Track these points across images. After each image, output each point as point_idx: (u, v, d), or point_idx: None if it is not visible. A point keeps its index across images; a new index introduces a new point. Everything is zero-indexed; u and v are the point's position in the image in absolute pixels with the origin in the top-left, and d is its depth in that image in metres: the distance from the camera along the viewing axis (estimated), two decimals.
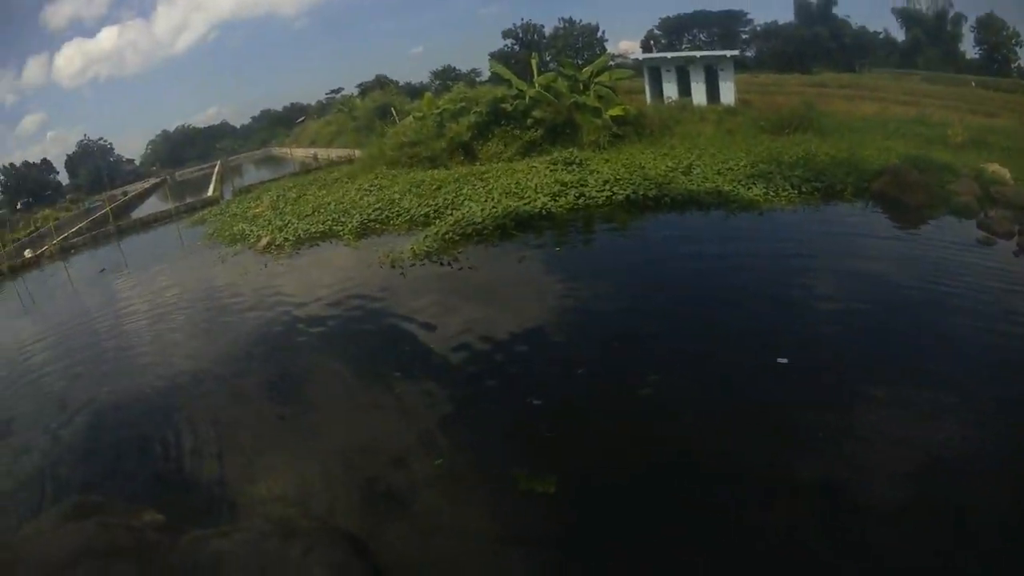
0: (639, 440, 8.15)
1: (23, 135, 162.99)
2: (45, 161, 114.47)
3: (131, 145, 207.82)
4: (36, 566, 6.79)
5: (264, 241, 22.89)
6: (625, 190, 17.39)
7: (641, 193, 17.13)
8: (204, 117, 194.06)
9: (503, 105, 29.20)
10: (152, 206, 57.76)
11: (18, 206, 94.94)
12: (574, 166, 20.80)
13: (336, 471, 8.87)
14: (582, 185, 18.31)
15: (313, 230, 22.46)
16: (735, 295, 11.82)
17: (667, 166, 19.74)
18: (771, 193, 16.72)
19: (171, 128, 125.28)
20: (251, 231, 25.87)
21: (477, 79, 65.74)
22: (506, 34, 71.58)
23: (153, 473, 10.59)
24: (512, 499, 7.37)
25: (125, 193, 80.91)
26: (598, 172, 19.47)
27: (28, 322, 26.68)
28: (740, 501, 7.10)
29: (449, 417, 9.41)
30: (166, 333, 17.49)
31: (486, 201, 18.36)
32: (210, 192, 46.59)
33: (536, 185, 18.80)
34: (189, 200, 47.30)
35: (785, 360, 9.26)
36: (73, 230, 49.95)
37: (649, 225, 16.16)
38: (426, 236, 17.17)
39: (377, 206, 22.20)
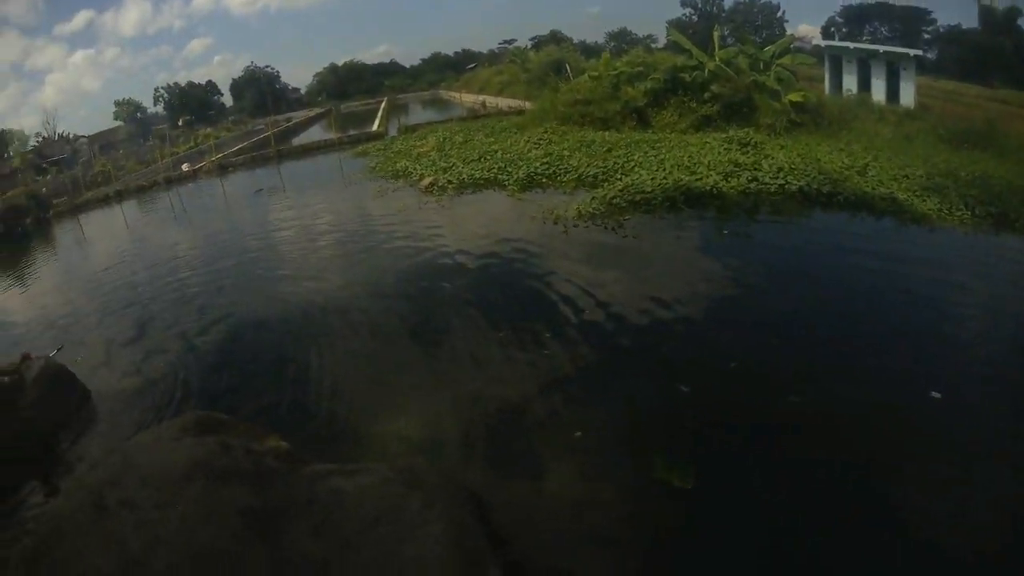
0: (788, 451, 7.41)
1: (190, 57, 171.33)
2: (210, 83, 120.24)
3: (298, 75, 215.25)
4: (145, 476, 6.69)
5: (427, 181, 23.21)
6: (799, 181, 16.45)
7: (815, 187, 16.19)
8: (373, 54, 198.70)
9: (681, 75, 28.35)
10: (315, 134, 59.61)
11: (180, 123, 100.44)
12: (749, 148, 19.88)
13: (468, 424, 8.64)
14: (755, 169, 17.48)
15: (477, 176, 22.51)
16: (901, 315, 10.82)
17: (843, 163, 18.63)
18: (944, 210, 15.36)
19: (339, 62, 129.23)
20: (414, 169, 26.27)
21: (652, 46, 64.84)
22: (685, 2, 70.36)
23: (281, 396, 10.65)
24: (645, 487, 6.95)
25: (289, 120, 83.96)
26: (772, 158, 18.60)
27: (178, 231, 28.07)
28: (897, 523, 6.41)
29: (595, 388, 9.03)
30: (314, 258, 17.85)
31: (657, 171, 17.89)
32: (375, 127, 47.51)
33: (709, 162, 18.14)
34: (353, 132, 48.50)
35: (938, 395, 8.45)
36: (233, 150, 52.27)
37: (819, 222, 15.20)
38: (593, 198, 16.81)
39: (545, 160, 22.00)
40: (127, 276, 21.52)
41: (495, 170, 22.63)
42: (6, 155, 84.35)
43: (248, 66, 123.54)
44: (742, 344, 9.73)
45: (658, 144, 21.61)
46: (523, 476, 7.34)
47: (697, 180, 16.71)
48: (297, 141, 56.54)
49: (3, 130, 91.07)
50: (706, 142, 20.89)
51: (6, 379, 11.05)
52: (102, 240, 33.20)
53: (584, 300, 11.63)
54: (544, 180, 20.21)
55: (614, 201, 16.24)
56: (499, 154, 25.14)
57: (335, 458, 7.42)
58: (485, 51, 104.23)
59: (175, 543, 5.75)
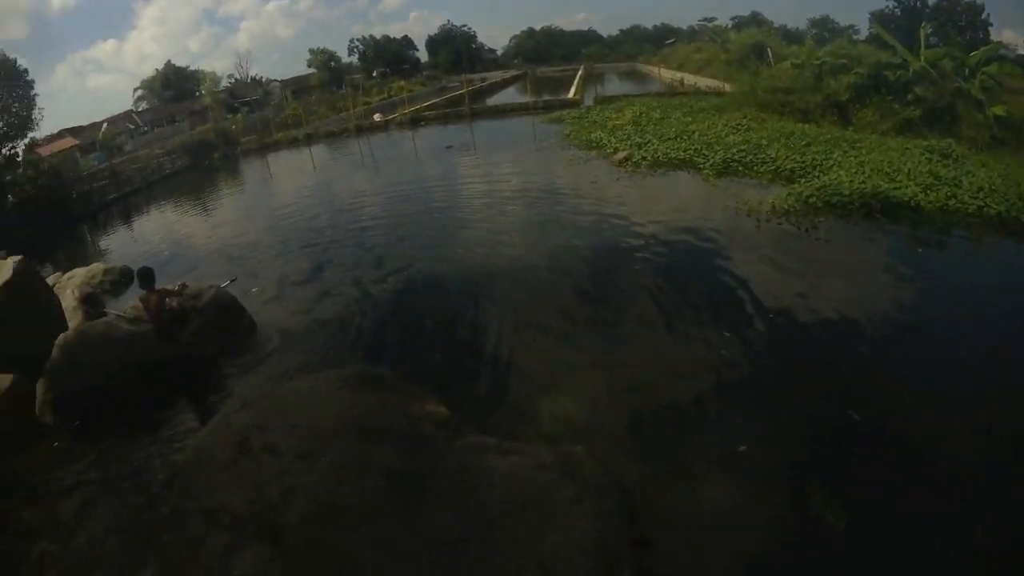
0: (964, 509, 6.47)
1: (385, 11, 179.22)
2: (406, 38, 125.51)
3: (494, 37, 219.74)
4: (295, 425, 6.84)
5: (621, 155, 23.69)
6: (998, 205, 15.09)
7: (1014, 214, 14.74)
8: (572, 21, 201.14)
9: (885, 72, 27.21)
10: (508, 96, 61.02)
11: (373, 74, 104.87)
12: (949, 161, 18.71)
13: (632, 413, 8.40)
14: (955, 185, 16.29)
15: (673, 155, 22.63)
16: None
17: None
18: None
19: (537, 27, 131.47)
20: (608, 141, 26.73)
21: (854, 37, 62.46)
22: None
23: (448, 356, 10.74)
24: (797, 517, 6.49)
25: (483, 79, 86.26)
26: (973, 175, 17.20)
27: (364, 179, 29.64)
28: None
29: (766, 398, 8.57)
30: (498, 219, 18.24)
31: (856, 173, 17.33)
32: (570, 94, 48.06)
33: (908, 170, 17.26)
34: (547, 97, 49.38)
35: None
36: (426, 104, 54.42)
37: (1018, 255, 13.64)
38: (789, 194, 16.42)
39: (742, 147, 21.74)
40: (309, 217, 22.71)
41: (691, 151, 22.62)
42: (198, 93, 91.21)
43: (444, 24, 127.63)
44: (925, 376, 8.86)
45: (858, 144, 20.96)
46: (678, 480, 7.12)
47: (895, 188, 16.02)
48: (491, 101, 58.05)
49: (195, 70, 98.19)
50: (906, 148, 20.06)
51: (175, 303, 11.41)
52: (287, 180, 35.19)
53: (768, 302, 11.17)
54: (740, 168, 20.08)
55: (810, 200, 15.85)
56: (696, 135, 25.06)
57: (493, 430, 7.55)
58: (684, 27, 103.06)
59: (312, 495, 5.96)
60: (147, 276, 11.35)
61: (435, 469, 6.31)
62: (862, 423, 7.82)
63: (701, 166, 20.90)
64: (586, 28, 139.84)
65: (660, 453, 7.57)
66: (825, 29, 74.43)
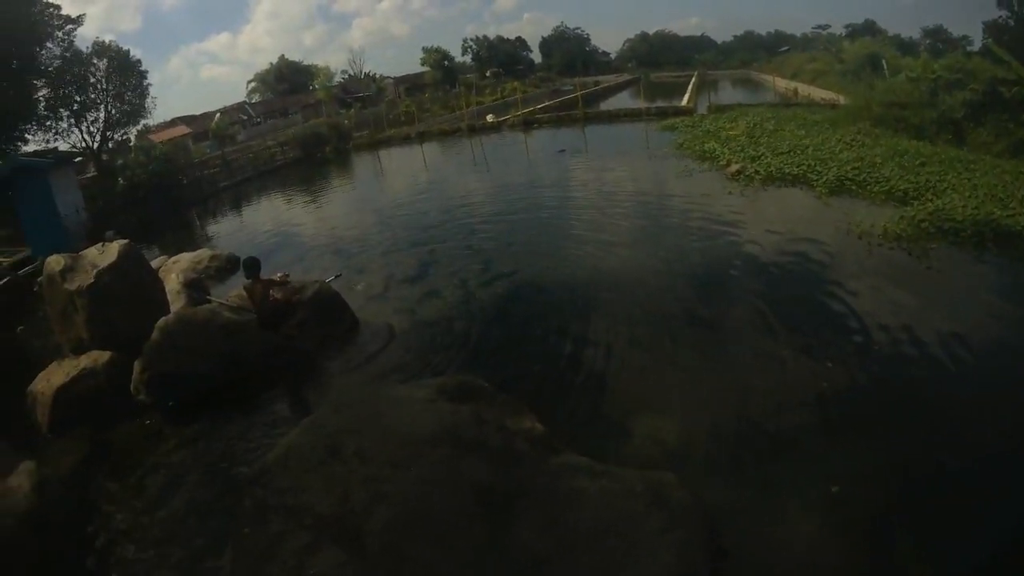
0: None
1: (499, 11, 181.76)
2: (519, 39, 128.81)
3: (607, 40, 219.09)
4: (388, 432, 6.90)
5: (734, 167, 23.91)
6: None
7: None
8: (685, 25, 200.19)
9: (1000, 88, 26.01)
10: (620, 101, 61.44)
11: (487, 74, 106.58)
12: None
13: (726, 441, 8.39)
14: None
15: (786, 170, 22.55)
16: None
17: None
18: None
19: (650, 31, 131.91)
20: (722, 152, 26.82)
21: (968, 48, 60.28)
22: (1002, 3, 64.31)
23: (547, 368, 10.81)
24: (884, 567, 6.30)
25: (596, 83, 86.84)
26: None
27: (475, 179, 30.32)
28: None
29: (867, 436, 8.34)
30: (607, 227, 18.40)
31: (969, 197, 16.73)
32: (684, 102, 47.89)
33: (1022, 197, 16.38)
34: (660, 104, 49.50)
35: None
36: (539, 106, 55.25)
37: None
38: (901, 217, 15.97)
39: (856, 165, 21.49)
40: (418, 215, 23.60)
41: (804, 167, 22.45)
42: (311, 87, 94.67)
43: (558, 26, 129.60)
44: None
45: (972, 166, 20.33)
46: (766, 517, 6.99)
47: (1008, 216, 15.26)
48: (604, 106, 58.43)
49: (309, 65, 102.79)
50: (1021, 172, 19.13)
51: (279, 294, 11.74)
52: (398, 176, 36.38)
53: (875, 333, 10.81)
54: (853, 187, 19.86)
55: (922, 225, 15.43)
56: (810, 150, 24.88)
57: (587, 448, 7.63)
58: (798, 34, 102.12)
59: (399, 504, 6.03)
60: (253, 265, 11.82)
61: (525, 487, 6.33)
62: (964, 471, 7.47)
63: (814, 183, 20.85)
64: (699, 34, 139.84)
65: (752, 486, 7.52)
66: (939, 40, 71.93)
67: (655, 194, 22.52)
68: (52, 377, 13.00)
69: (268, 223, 28.98)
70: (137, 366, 12.17)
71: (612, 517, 6.12)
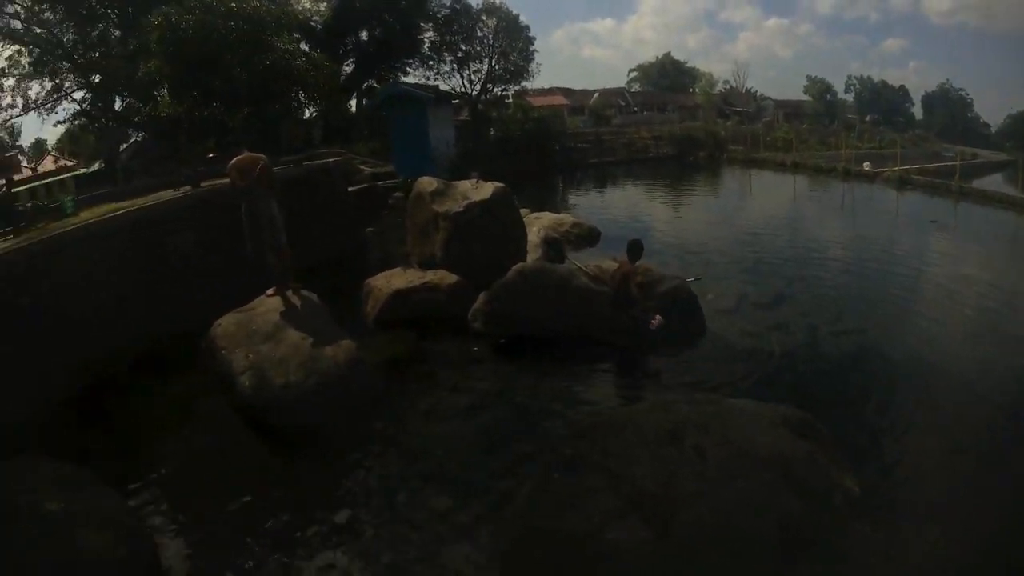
0: None
1: (884, 55, 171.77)
2: (902, 88, 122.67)
3: (988, 105, 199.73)
4: (732, 438, 6.69)
5: None
6: None
7: None
8: None
9: None
10: (994, 184, 55.24)
11: (867, 118, 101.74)
12: None
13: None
14: None
15: None
16: None
17: None
18: None
19: None
20: None
21: None
22: None
23: (873, 438, 9.61)
24: None
25: (975, 155, 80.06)
26: None
27: (839, 225, 29.68)
28: None
29: None
30: (962, 320, 15.75)
31: None
32: None
33: None
34: None
35: None
36: (915, 167, 52.21)
37: None
38: None
39: None
40: (778, 245, 23.50)
41: None
42: (692, 90, 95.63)
43: (943, 83, 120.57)
44: None
45: None
46: None
47: None
48: (976, 183, 54.28)
49: (692, 67, 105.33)
50: None
51: (640, 280, 12.17)
52: (766, 199, 37.02)
53: None
54: None
55: None
56: None
57: (892, 525, 7.09)
58: None
59: (715, 508, 5.94)
60: (636, 248, 12.19)
61: (821, 542, 6.09)
62: None
63: None
64: None
65: None
66: None
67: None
68: (393, 279, 14.37)
69: (627, 209, 30.68)
70: (482, 297, 12.88)
71: None
